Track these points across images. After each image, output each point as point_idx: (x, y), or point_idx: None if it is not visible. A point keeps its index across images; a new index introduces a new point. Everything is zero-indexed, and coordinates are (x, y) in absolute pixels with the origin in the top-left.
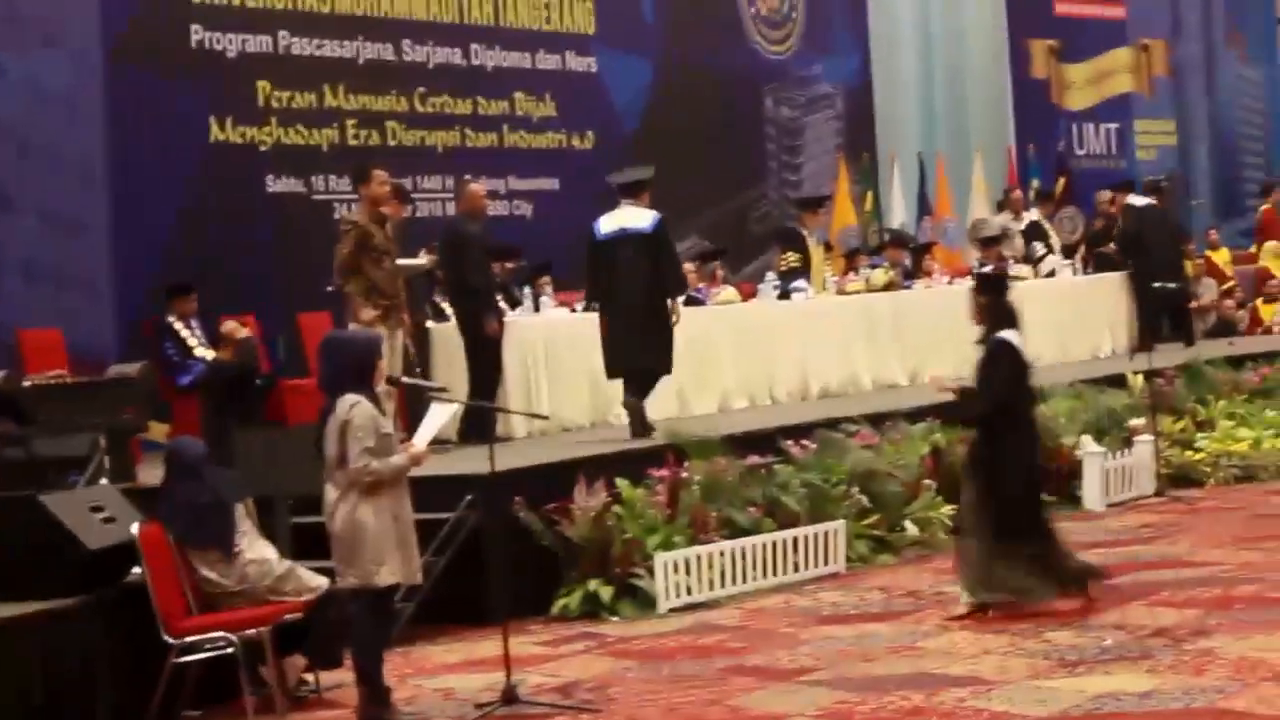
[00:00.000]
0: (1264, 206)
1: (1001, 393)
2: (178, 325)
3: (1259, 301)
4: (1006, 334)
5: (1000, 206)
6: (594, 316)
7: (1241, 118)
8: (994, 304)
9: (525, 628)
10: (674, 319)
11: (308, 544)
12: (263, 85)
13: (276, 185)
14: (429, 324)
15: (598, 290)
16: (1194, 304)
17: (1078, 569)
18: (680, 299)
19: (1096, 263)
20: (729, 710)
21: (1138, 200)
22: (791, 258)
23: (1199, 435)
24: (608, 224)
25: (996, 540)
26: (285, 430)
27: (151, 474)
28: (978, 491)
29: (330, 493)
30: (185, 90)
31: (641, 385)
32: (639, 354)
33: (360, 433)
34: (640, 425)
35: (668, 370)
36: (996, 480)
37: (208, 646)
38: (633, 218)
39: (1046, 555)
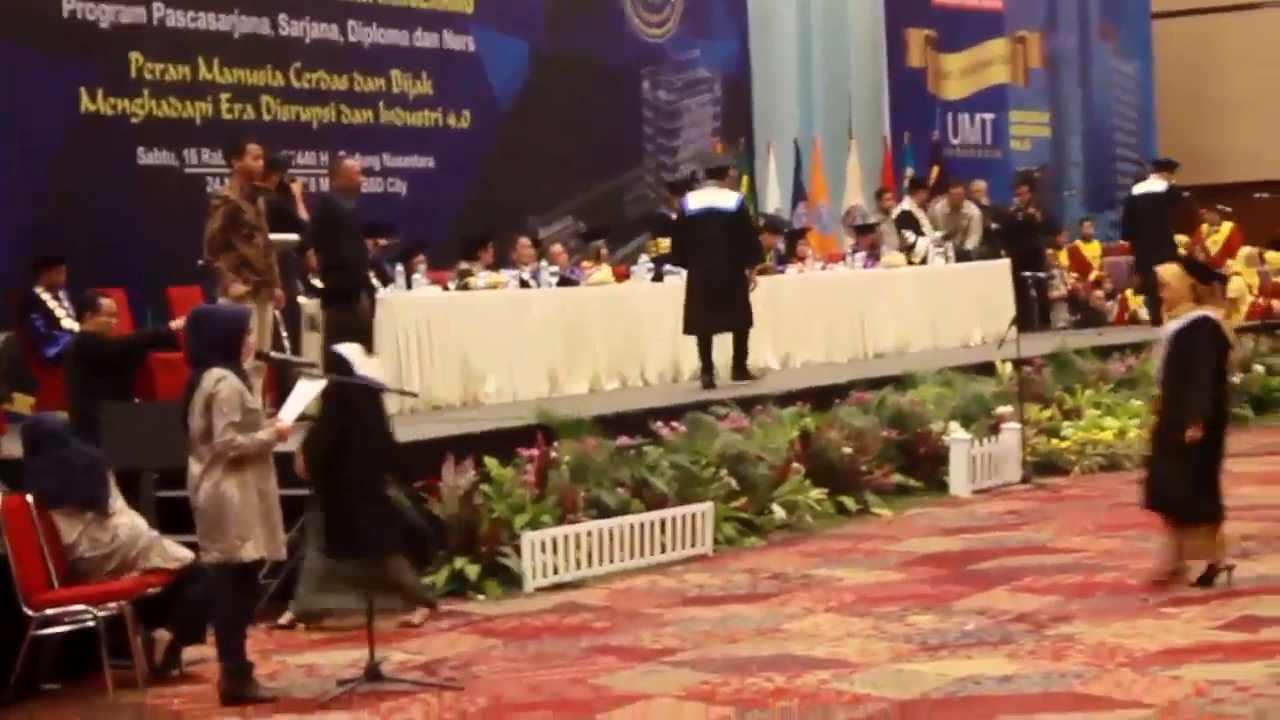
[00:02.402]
0: None
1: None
2: (45, 296)
3: (1128, 292)
4: (342, 349)
5: (878, 195)
6: (481, 294)
7: (1114, 110)
8: (334, 319)
9: None
10: (752, 285)
11: (172, 519)
12: (135, 57)
13: (148, 158)
14: (300, 299)
15: (684, 258)
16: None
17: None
18: (757, 267)
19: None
20: (592, 690)
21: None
22: (663, 243)
23: (1065, 424)
24: (695, 202)
25: (337, 555)
26: (151, 404)
27: (15, 445)
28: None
29: (194, 467)
30: (56, 61)
31: (737, 342)
32: (724, 316)
33: (225, 406)
34: (742, 371)
35: (750, 324)
36: (339, 497)
37: (68, 620)
38: (719, 198)
39: (385, 575)
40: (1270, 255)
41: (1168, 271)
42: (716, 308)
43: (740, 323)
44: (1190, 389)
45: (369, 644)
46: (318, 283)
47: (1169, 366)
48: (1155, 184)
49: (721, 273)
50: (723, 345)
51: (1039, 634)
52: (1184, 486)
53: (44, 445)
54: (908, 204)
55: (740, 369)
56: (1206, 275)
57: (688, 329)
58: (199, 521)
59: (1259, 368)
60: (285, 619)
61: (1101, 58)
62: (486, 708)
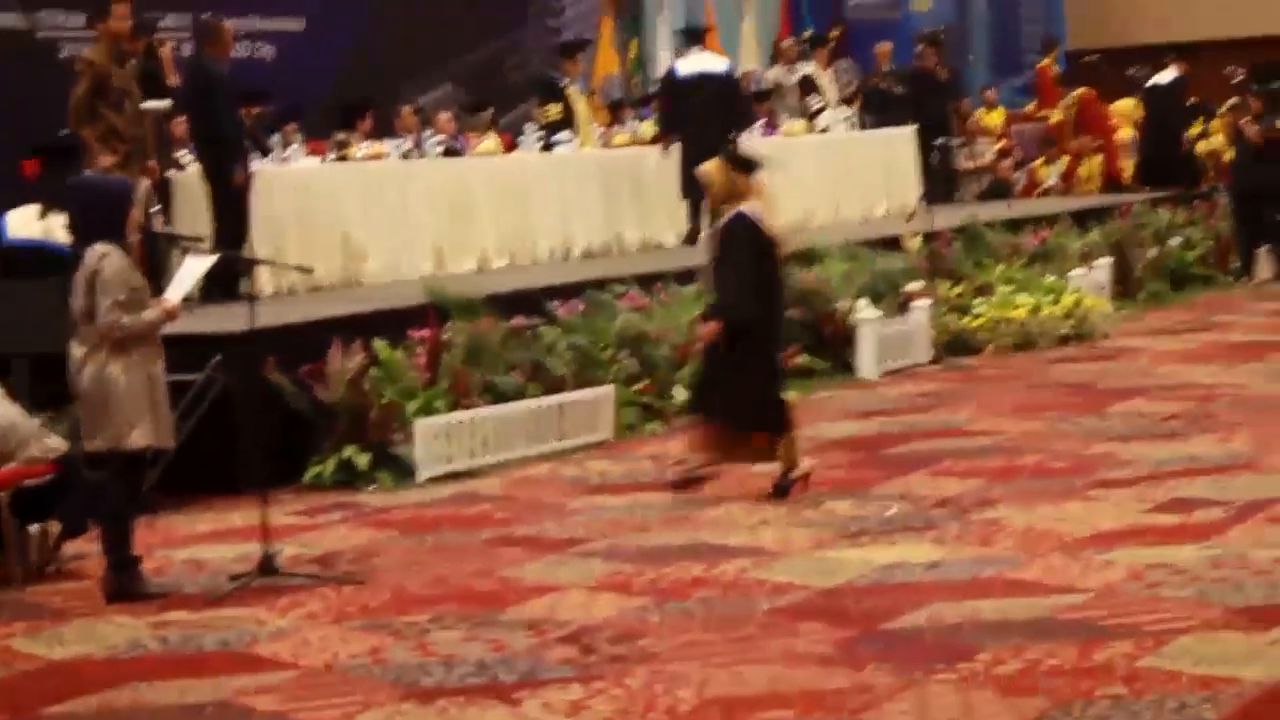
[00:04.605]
0: (1042, 63)
1: None
2: None
3: (1038, 163)
4: None
5: (772, 59)
6: (362, 165)
7: None
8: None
9: (276, 497)
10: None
11: (49, 407)
12: None
13: None
14: (169, 173)
15: (673, 123)
16: (972, 164)
17: None
18: (748, 131)
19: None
20: (500, 582)
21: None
22: (552, 110)
23: (976, 301)
24: (685, 66)
25: None
26: (21, 283)
27: None
28: None
29: (76, 349)
30: None
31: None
32: None
33: (110, 285)
34: None
35: None
36: None
37: None
38: (709, 62)
39: None
40: None
41: (709, 166)
42: None
43: None
44: (720, 290)
45: (262, 537)
46: (185, 153)
47: (711, 266)
48: (1167, 74)
49: (712, 137)
50: None
51: (964, 519)
52: (737, 393)
53: None
54: (810, 67)
55: None
56: (748, 167)
57: (683, 194)
58: (82, 408)
59: (1174, 241)
60: None
61: None
62: (389, 601)
